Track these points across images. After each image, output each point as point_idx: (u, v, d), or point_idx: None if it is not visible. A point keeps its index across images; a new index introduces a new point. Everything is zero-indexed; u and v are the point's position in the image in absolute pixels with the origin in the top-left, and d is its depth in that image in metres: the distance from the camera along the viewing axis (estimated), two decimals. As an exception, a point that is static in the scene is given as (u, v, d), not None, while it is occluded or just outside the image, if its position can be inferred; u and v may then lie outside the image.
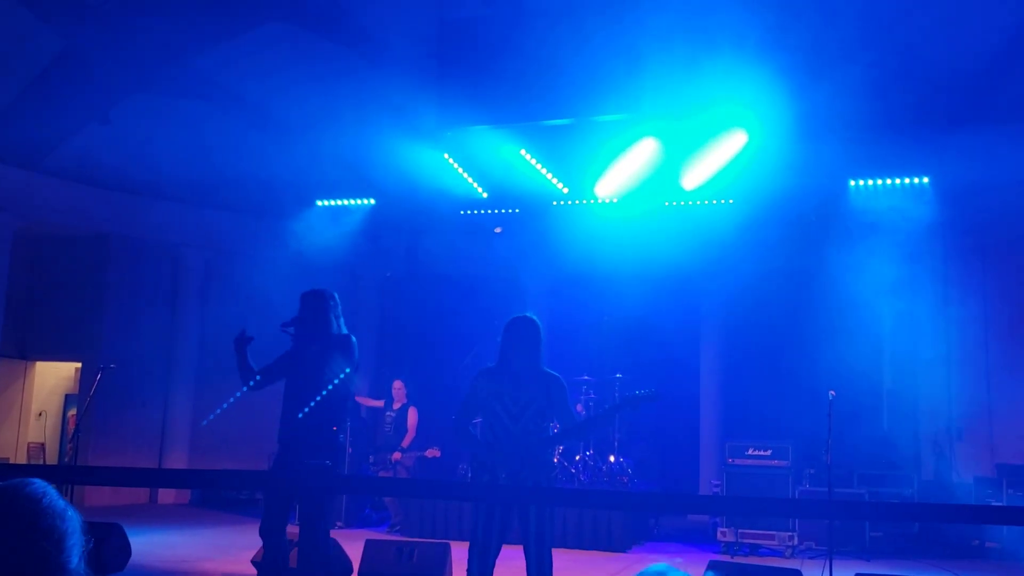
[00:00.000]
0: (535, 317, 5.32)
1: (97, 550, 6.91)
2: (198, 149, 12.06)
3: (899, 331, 11.17)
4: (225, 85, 11.62)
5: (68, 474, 6.67)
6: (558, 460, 10.18)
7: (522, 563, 5.05)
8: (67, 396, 14.08)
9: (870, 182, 10.47)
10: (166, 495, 12.78)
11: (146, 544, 8.21)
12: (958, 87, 10.17)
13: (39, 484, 1.45)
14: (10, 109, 11.01)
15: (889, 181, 10.43)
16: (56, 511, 1.43)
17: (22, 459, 12.94)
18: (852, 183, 10.49)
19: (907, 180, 10.39)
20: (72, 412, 13.74)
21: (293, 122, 11.79)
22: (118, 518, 7.69)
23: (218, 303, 13.01)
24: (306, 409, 5.32)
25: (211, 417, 11.70)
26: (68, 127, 11.59)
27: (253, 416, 13.07)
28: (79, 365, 13.08)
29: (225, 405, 6.06)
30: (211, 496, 12.91)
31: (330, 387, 5.35)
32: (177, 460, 12.70)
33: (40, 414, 13.78)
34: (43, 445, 13.64)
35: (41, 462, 12.93)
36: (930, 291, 10.87)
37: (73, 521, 1.45)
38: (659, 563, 1.49)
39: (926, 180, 10.32)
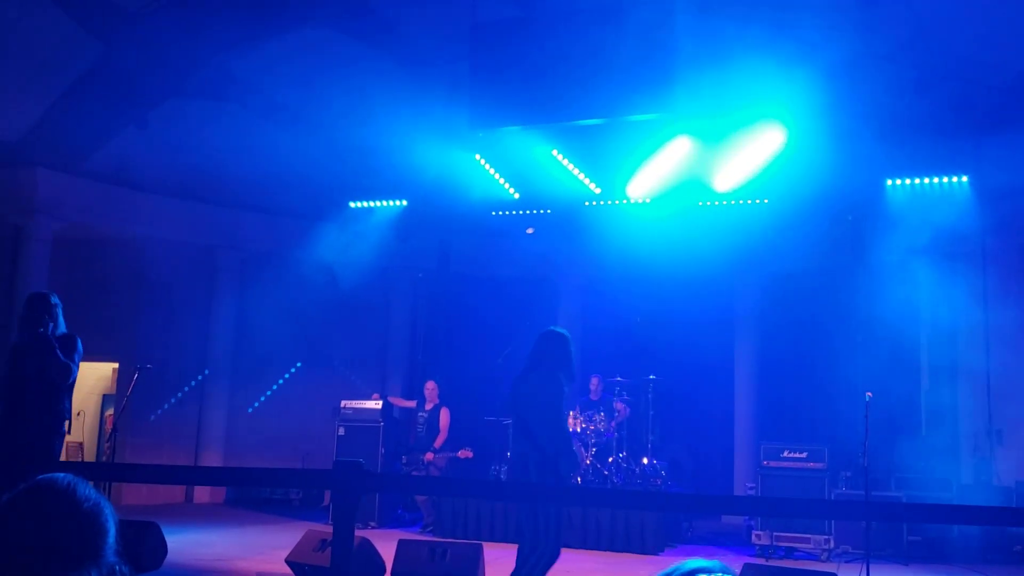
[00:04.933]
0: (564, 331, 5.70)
1: (134, 548, 7.00)
2: (233, 152, 12.17)
3: (937, 332, 11.01)
4: (260, 89, 11.72)
5: (106, 472, 6.75)
6: (590, 462, 10.15)
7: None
8: (105, 396, 14.27)
9: (908, 181, 10.32)
10: (201, 494, 12.91)
11: (182, 542, 8.30)
12: (997, 86, 10.01)
13: (70, 477, 1.47)
14: (50, 113, 11.19)
15: (927, 180, 10.28)
16: (90, 503, 1.45)
17: (61, 458, 13.11)
18: (889, 182, 10.35)
19: (945, 179, 10.23)
20: (109, 412, 13.92)
21: (326, 125, 11.86)
22: (154, 516, 7.78)
23: (253, 304, 13.13)
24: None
25: (255, 405, 11.81)
26: (106, 131, 11.75)
27: (287, 416, 13.22)
28: (116, 365, 13.25)
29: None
30: (245, 495, 13.03)
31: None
32: (212, 459, 12.82)
33: (78, 414, 13.96)
34: (81, 444, 13.84)
35: (79, 461, 13.10)
36: (969, 291, 10.70)
37: (106, 513, 1.46)
38: (697, 559, 1.47)
39: (965, 179, 10.15)
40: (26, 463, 5.59)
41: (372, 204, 12.57)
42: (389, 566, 6.89)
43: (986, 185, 10.14)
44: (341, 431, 10.82)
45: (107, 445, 10.76)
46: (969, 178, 10.13)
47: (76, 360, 6.03)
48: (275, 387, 13.30)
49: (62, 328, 6.09)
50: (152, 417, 12.50)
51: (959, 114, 9.94)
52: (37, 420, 5.95)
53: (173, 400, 12.76)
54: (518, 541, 5.71)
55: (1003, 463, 10.41)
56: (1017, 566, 8.78)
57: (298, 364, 13.34)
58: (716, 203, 10.85)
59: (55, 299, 6.11)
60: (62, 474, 1.47)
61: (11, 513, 1.41)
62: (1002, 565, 8.76)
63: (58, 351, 5.90)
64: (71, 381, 6.03)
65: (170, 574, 7.20)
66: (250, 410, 13.17)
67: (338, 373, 13.29)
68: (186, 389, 12.95)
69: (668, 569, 1.49)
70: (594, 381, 11.22)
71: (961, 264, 10.84)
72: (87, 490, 1.47)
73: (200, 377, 13.07)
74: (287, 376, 13.33)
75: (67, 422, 6.13)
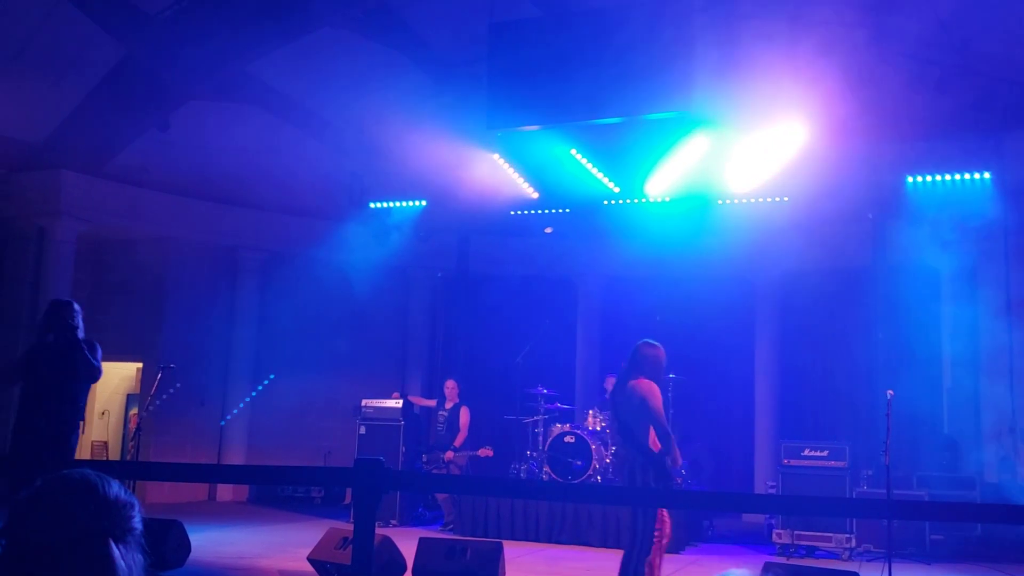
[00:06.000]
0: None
1: (158, 546, 7.08)
2: (254, 153, 12.27)
3: (959, 329, 10.93)
4: (280, 90, 11.81)
5: (130, 470, 6.85)
6: (610, 460, 10.16)
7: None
8: (129, 396, 14.42)
9: (928, 178, 10.24)
10: (224, 492, 13.02)
11: (205, 540, 8.37)
12: (1019, 82, 9.92)
13: (99, 473, 1.53)
14: (73, 116, 11.32)
15: (948, 177, 10.20)
16: (119, 493, 1.50)
17: (86, 457, 13.27)
18: (910, 179, 10.28)
19: (967, 176, 10.15)
20: (134, 411, 14.06)
21: (346, 125, 11.93)
22: (178, 515, 7.87)
23: (274, 303, 13.22)
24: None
25: (231, 415, 11.78)
26: (129, 133, 11.87)
27: (309, 415, 13.30)
28: (140, 365, 13.38)
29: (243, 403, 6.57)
30: (268, 493, 13.12)
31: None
32: (235, 458, 12.92)
33: (103, 413, 14.13)
34: (106, 443, 13.99)
35: (104, 460, 13.24)
36: (991, 288, 10.61)
37: (133, 503, 1.52)
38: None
39: (987, 176, 10.07)
40: (45, 460, 5.82)
41: (391, 204, 12.63)
42: (410, 564, 6.93)
43: (1008, 181, 10.05)
44: (362, 430, 10.88)
45: (131, 444, 10.87)
46: (991, 174, 10.05)
47: (99, 362, 6.39)
48: (253, 394, 13.32)
49: (82, 334, 6.40)
50: (175, 416, 12.60)
51: (980, 110, 9.86)
52: (56, 419, 6.22)
53: (196, 399, 12.85)
54: (620, 545, 6.13)
55: (1027, 462, 10.33)
56: (1041, 565, 8.70)
57: (271, 376, 13.33)
58: (735, 201, 10.81)
59: (77, 306, 6.43)
60: (92, 470, 1.53)
61: (41, 499, 1.47)
62: (1026, 564, 8.68)
63: (87, 353, 6.20)
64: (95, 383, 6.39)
65: (193, 572, 7.28)
66: (222, 423, 13.18)
67: (359, 372, 13.35)
68: (209, 388, 13.04)
69: None
70: (610, 381, 11.23)
71: (983, 261, 10.75)
72: (115, 483, 1.53)
73: (223, 376, 13.18)
74: (261, 386, 13.34)
75: (82, 422, 6.45)
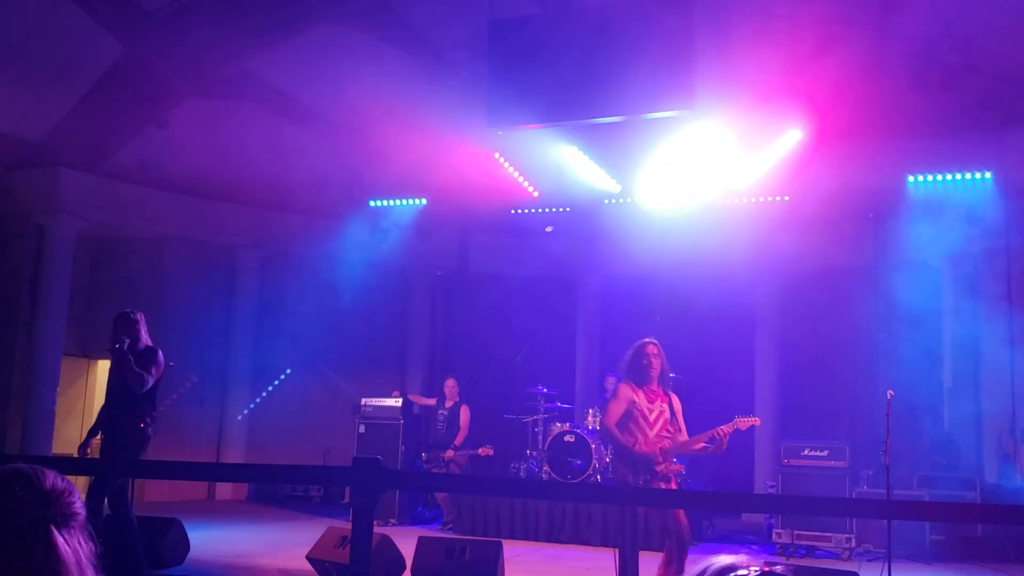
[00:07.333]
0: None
1: (157, 544, 7.07)
2: (253, 151, 12.23)
3: (960, 330, 10.91)
4: (279, 87, 11.77)
5: (128, 468, 6.86)
6: (610, 460, 10.15)
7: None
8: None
9: (930, 177, 10.22)
10: (223, 491, 12.99)
11: (204, 539, 8.36)
12: (1021, 81, 9.89)
13: (24, 465, 1.52)
14: (72, 113, 11.29)
15: (949, 176, 10.18)
16: (46, 485, 1.49)
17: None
18: (911, 178, 10.26)
19: (968, 175, 10.13)
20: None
21: (345, 123, 11.89)
22: (177, 513, 7.86)
23: (273, 301, 13.20)
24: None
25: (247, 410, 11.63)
26: (127, 131, 11.84)
27: (308, 414, 13.28)
28: (139, 363, 13.34)
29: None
30: (267, 492, 13.10)
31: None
32: (234, 456, 12.90)
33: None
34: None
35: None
36: (992, 288, 10.60)
37: (71, 490, 1.51)
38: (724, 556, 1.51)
39: (988, 175, 10.05)
40: (116, 458, 6.65)
41: (391, 202, 12.61)
42: (409, 563, 6.91)
43: (1010, 181, 10.03)
44: (361, 428, 10.86)
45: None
46: (992, 174, 10.03)
47: (151, 370, 6.59)
48: (268, 391, 13.31)
49: (145, 341, 6.70)
50: (174, 414, 12.57)
51: (982, 109, 9.83)
52: (120, 423, 6.67)
53: (195, 398, 12.82)
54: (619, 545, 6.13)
55: (1028, 462, 10.31)
56: (1042, 566, 8.69)
57: (288, 371, 13.34)
58: (736, 201, 10.80)
59: (136, 315, 6.73)
60: (24, 463, 1.54)
61: None
62: (1027, 565, 8.67)
63: (132, 363, 6.48)
64: (146, 389, 6.60)
65: (192, 571, 7.27)
66: (239, 417, 13.17)
67: (358, 370, 13.33)
68: (208, 386, 13.01)
69: (700, 566, 1.52)
70: (610, 380, 11.24)
71: (984, 260, 10.73)
72: (51, 473, 1.53)
73: (222, 374, 13.15)
74: (277, 382, 13.33)
75: (148, 423, 6.73)
